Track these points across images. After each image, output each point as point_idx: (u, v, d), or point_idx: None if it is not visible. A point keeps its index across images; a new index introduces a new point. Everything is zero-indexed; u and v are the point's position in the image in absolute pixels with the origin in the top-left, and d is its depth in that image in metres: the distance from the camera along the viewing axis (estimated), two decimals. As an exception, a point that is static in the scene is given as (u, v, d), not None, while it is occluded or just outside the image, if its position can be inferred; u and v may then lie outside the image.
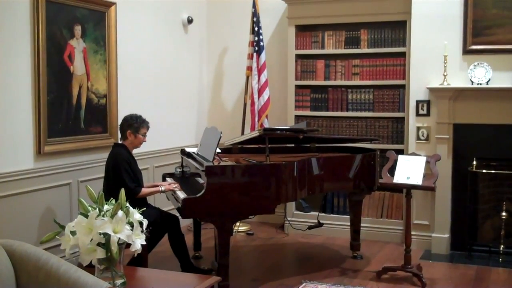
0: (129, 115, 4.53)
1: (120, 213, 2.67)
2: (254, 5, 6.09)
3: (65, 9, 4.52)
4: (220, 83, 6.80)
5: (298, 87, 6.15)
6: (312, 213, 5.93)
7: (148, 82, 5.68)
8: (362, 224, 5.31)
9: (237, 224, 5.82)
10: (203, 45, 6.75)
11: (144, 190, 4.44)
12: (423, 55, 5.32)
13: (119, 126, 4.58)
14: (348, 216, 5.37)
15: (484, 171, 5.23)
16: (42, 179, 4.37)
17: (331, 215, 5.96)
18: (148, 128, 4.56)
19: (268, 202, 4.13)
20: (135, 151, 4.63)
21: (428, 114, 5.35)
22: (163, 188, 4.52)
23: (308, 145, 5.23)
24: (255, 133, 4.60)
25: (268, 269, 4.91)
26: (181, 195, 4.32)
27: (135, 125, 4.46)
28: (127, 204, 2.76)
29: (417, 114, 5.38)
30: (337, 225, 5.88)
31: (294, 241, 5.77)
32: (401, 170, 4.53)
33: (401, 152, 5.39)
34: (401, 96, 5.72)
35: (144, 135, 4.53)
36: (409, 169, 4.49)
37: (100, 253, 2.62)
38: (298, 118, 6.13)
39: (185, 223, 5.70)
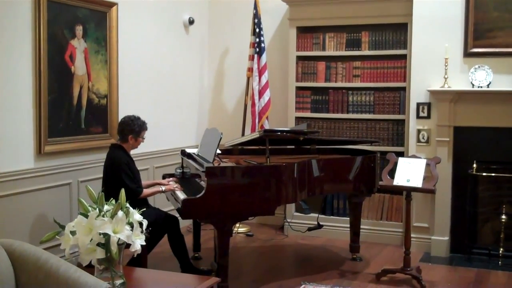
0: (127, 117, 4.46)
1: (120, 213, 2.67)
2: (255, 7, 6.10)
3: (67, 9, 4.52)
4: (221, 84, 6.80)
5: (298, 88, 6.15)
6: (312, 214, 5.95)
7: (149, 83, 5.68)
8: (361, 226, 5.31)
9: (237, 225, 5.83)
10: (204, 46, 6.75)
11: (145, 191, 4.43)
12: (424, 57, 5.32)
13: (118, 129, 4.50)
14: (348, 218, 5.37)
15: (484, 174, 5.23)
16: (42, 179, 4.37)
17: (331, 217, 5.96)
18: (147, 129, 4.54)
19: (268, 203, 4.13)
20: (135, 151, 4.63)
21: (428, 117, 5.35)
22: (163, 188, 4.52)
23: (309, 146, 5.23)
24: (256, 135, 4.60)
25: (268, 270, 4.91)
26: (181, 196, 4.32)
27: (137, 129, 4.42)
28: (127, 205, 2.76)
29: (418, 117, 5.39)
30: (336, 227, 5.88)
31: (294, 243, 5.76)
32: (401, 172, 4.53)
33: (401, 154, 5.39)
34: (401, 99, 5.72)
35: (143, 137, 4.53)
36: (409, 172, 4.50)
37: (100, 253, 2.62)
38: (298, 119, 6.12)
39: (185, 224, 5.70)
